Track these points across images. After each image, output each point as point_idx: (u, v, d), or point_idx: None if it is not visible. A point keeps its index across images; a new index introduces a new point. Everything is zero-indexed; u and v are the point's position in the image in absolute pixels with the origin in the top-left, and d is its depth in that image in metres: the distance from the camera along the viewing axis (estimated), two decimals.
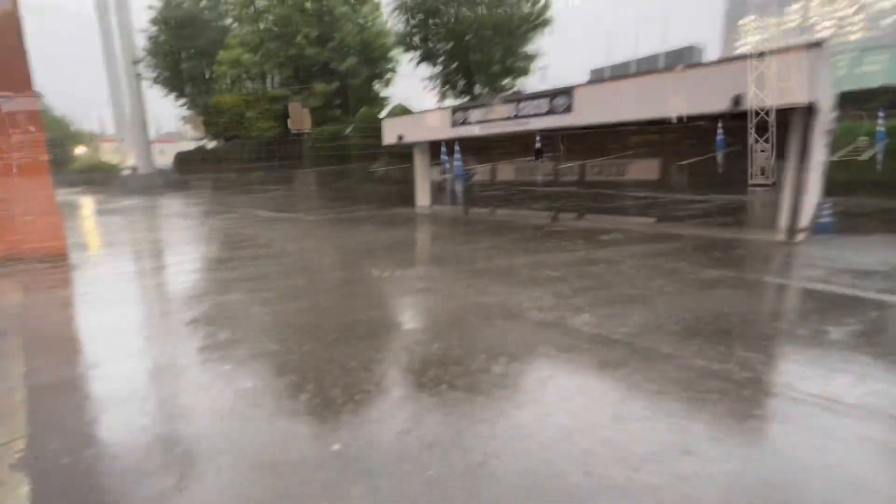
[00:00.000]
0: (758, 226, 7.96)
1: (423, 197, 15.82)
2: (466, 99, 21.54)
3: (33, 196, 6.25)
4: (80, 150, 57.37)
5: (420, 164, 15.71)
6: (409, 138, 13.95)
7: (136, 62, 33.56)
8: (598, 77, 31.70)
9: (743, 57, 7.24)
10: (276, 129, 22.43)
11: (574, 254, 6.89)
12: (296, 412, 2.69)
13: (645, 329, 3.75)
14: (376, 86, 25.03)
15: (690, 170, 9.06)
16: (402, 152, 17.67)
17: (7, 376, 3.31)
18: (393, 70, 24.84)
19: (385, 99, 25.73)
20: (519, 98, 10.77)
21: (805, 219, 7.59)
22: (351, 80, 22.15)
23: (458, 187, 14.40)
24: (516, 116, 10.71)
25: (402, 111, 17.39)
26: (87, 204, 22.17)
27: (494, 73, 21.49)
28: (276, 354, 3.50)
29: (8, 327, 4.43)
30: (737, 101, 7.12)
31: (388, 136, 14.66)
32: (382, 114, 20.77)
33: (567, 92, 9.73)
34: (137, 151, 38.52)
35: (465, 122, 11.97)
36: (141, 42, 33.00)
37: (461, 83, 22.92)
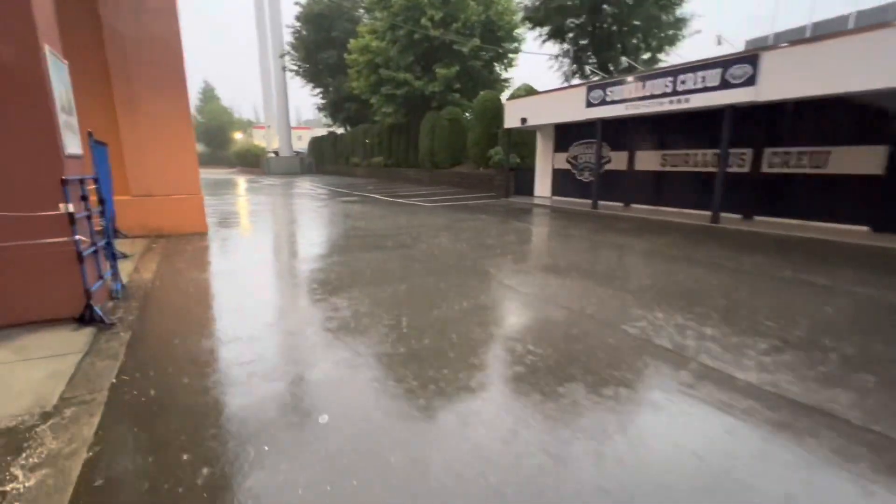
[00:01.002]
0: None
1: (543, 186, 14.52)
2: (596, 79, 19.33)
3: (182, 180, 6.56)
4: (238, 136, 66.80)
5: (543, 149, 14.38)
6: (534, 121, 12.72)
7: (282, 56, 37.32)
8: (759, 46, 26.24)
9: None
10: (397, 114, 22.79)
11: (770, 278, 5.17)
12: None
13: None
14: (497, 68, 23.95)
15: None
16: (522, 139, 16.49)
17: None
18: (516, 50, 23.49)
19: (506, 81, 24.56)
20: (677, 69, 8.83)
21: None
22: (473, 63, 21.40)
23: (586, 176, 12.82)
24: (673, 93, 8.81)
25: (527, 91, 16.10)
26: (239, 183, 25.23)
27: (635, 45, 18.90)
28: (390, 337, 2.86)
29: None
30: None
31: (511, 119, 13.60)
32: (503, 97, 19.72)
33: (749, 58, 7.60)
34: (280, 137, 43.33)
35: (603, 102, 10.35)
36: (287, 37, 36.63)
37: (592, 60, 20.71)
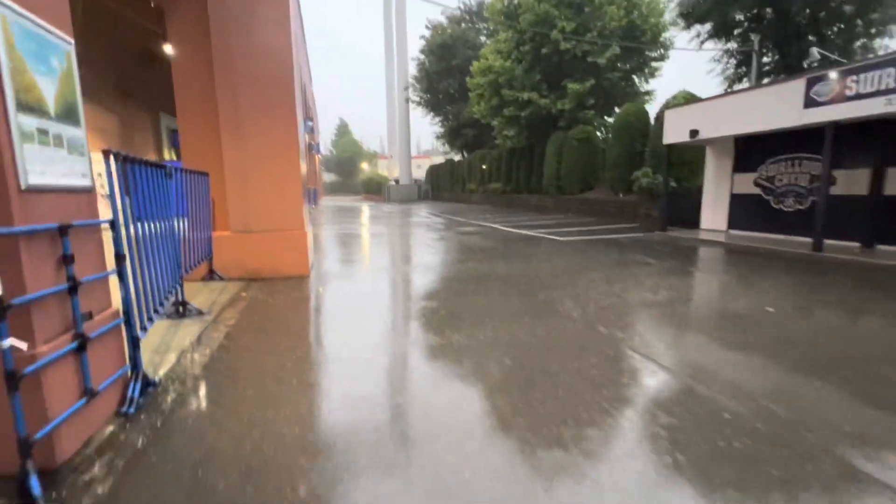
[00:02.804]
0: None
1: (714, 216, 11.18)
2: (765, 81, 15.06)
3: (286, 213, 5.41)
4: (364, 166, 72.27)
5: (715, 169, 11.13)
6: (710, 132, 9.72)
7: (405, 88, 38.83)
8: None
9: None
10: (520, 136, 21.04)
11: None
12: None
13: None
14: (637, 80, 20.83)
15: None
16: (681, 157, 13.29)
17: None
18: (662, 58, 20.19)
19: (648, 94, 21.26)
20: None
21: None
22: (609, 75, 18.75)
23: (788, 203, 9.32)
24: None
25: (686, 99, 13.03)
26: (361, 210, 25.84)
27: (839, 33, 14.48)
28: None
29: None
30: None
31: (674, 132, 10.75)
32: (649, 110, 16.64)
33: None
34: (401, 166, 45.00)
35: (842, 98, 7.10)
36: (412, 70, 38.05)
37: (768, 58, 16.54)
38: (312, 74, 25.08)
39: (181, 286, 4.18)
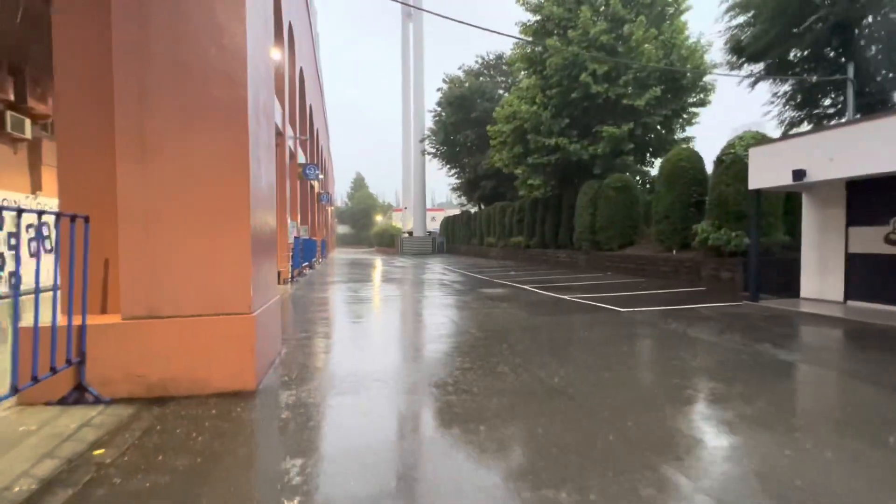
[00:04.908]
0: None
1: (823, 283, 8.51)
2: (832, 122, 13.02)
3: (222, 283, 3.02)
4: (378, 218, 71.69)
5: (819, 222, 8.64)
6: (826, 172, 7.33)
7: (421, 140, 38.15)
8: None
9: None
10: (547, 186, 19.03)
11: None
12: None
13: None
14: (675, 125, 19.01)
15: None
16: (737, 209, 10.88)
17: None
18: (702, 103, 18.45)
19: (686, 141, 19.33)
20: None
21: None
22: (648, 119, 16.92)
23: None
24: None
25: (756, 139, 10.87)
26: (371, 264, 23.62)
27: None
28: None
29: None
30: None
31: (764, 175, 8.39)
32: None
33: None
34: (415, 218, 43.58)
35: None
36: (428, 122, 37.57)
37: (831, 97, 14.56)
38: (329, 132, 24.08)
39: None
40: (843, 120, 12.68)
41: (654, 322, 6.83)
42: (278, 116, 11.33)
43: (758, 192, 8.65)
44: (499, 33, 11.70)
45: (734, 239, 10.80)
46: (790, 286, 9.31)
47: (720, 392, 3.74)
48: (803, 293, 8.97)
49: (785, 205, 11.56)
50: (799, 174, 7.55)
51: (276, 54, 10.94)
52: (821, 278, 8.66)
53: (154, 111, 3.38)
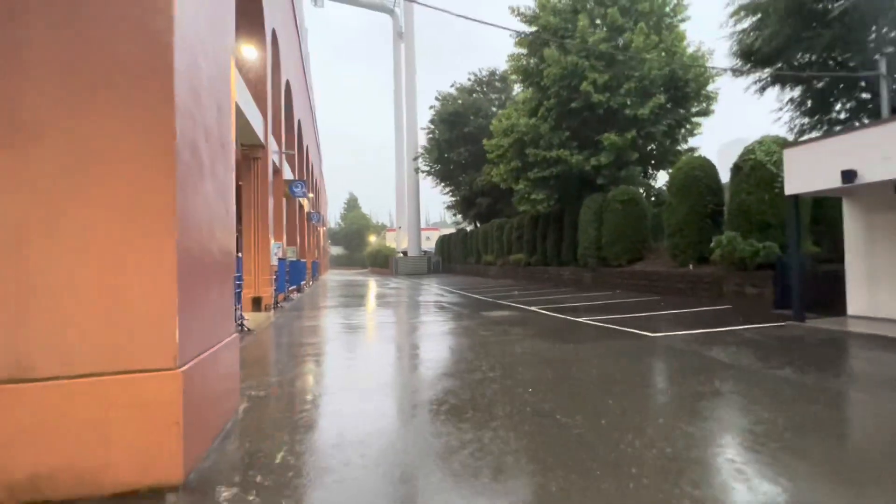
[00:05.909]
0: None
1: (875, 299, 7.46)
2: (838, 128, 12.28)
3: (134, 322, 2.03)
4: (372, 238, 70.61)
5: (864, 228, 7.67)
6: (879, 173, 6.39)
7: (415, 158, 37.41)
8: None
9: None
10: (549, 200, 18.11)
11: None
12: None
13: None
14: (678, 135, 18.30)
15: None
16: (777, 215, 9.97)
17: None
18: (705, 113, 17.80)
19: (692, 151, 18.63)
20: None
21: None
22: (652, 128, 16.17)
23: None
24: None
25: (778, 143, 10.05)
26: (363, 285, 22.40)
27: None
28: None
29: None
30: None
31: (804, 178, 7.45)
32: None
33: None
34: (410, 238, 42.54)
35: None
36: (421, 140, 36.90)
37: (841, 104, 13.90)
38: (322, 154, 23.23)
39: None
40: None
41: (698, 350, 5.73)
42: (259, 126, 10.35)
43: (796, 197, 7.70)
44: (497, 26, 10.90)
45: (763, 250, 9.81)
46: (832, 303, 8.29)
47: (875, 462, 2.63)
48: (851, 310, 7.94)
49: (812, 212, 10.67)
50: (849, 175, 6.61)
51: (252, 51, 10.04)
52: (871, 293, 7.65)
53: (28, 73, 2.32)
